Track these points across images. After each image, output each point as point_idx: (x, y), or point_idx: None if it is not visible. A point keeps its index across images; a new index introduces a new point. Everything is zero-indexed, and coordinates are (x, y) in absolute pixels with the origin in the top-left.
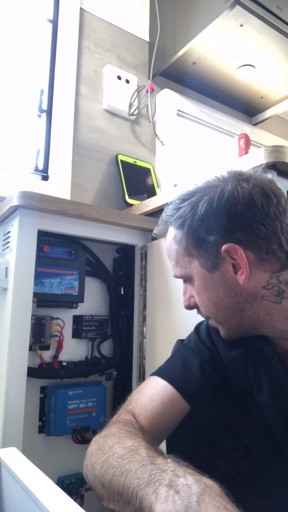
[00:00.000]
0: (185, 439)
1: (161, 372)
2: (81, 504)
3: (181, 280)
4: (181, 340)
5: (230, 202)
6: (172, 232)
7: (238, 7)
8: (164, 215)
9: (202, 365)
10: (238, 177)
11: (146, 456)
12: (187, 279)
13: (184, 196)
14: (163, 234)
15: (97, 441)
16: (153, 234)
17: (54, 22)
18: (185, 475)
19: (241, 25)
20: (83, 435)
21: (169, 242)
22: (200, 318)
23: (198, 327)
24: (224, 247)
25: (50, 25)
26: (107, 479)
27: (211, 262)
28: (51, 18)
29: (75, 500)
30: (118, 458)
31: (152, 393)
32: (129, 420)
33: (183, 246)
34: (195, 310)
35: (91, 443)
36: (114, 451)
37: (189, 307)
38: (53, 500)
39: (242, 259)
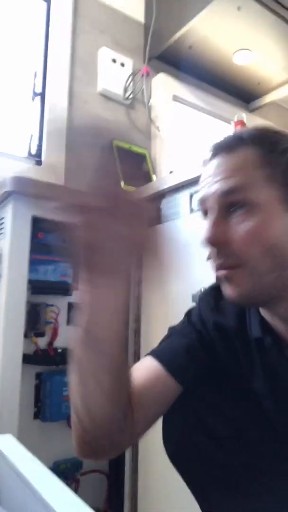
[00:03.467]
0: (182, 429)
1: (149, 352)
2: (76, 488)
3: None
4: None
5: None
6: (251, 152)
7: None
8: (245, 134)
9: (188, 346)
10: None
11: None
12: (235, 205)
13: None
14: (227, 148)
15: None
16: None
17: (48, 1)
18: None
19: (238, 8)
20: None
21: (244, 160)
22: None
23: (189, 312)
24: None
25: (44, 4)
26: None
27: None
28: None
29: (70, 484)
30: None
31: (134, 367)
32: None
33: (268, 172)
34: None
35: None
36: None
37: (214, 241)
38: (48, 487)
39: None
